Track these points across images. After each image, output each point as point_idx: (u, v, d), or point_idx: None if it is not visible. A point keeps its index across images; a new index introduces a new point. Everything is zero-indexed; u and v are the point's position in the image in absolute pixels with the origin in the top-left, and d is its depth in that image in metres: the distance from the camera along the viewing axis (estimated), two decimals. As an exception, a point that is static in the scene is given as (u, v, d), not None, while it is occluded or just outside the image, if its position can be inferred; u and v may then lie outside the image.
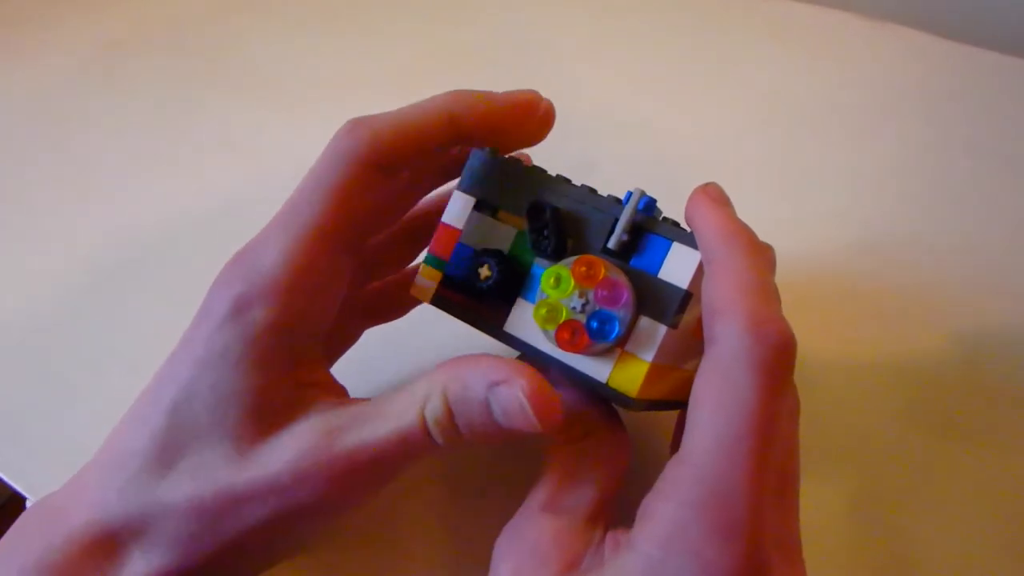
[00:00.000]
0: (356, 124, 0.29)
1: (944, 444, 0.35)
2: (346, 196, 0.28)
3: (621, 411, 0.30)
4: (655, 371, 0.27)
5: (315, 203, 0.28)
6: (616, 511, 0.28)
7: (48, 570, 0.26)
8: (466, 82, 0.53)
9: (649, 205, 0.27)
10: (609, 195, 0.28)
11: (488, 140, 0.30)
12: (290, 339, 0.27)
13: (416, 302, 0.34)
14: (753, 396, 0.23)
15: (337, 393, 0.28)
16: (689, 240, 0.26)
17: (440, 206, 0.31)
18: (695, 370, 0.26)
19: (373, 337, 0.36)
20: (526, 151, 0.32)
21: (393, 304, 0.36)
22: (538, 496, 0.28)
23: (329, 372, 0.29)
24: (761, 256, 0.26)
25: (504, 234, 0.30)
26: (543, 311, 0.27)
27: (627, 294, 0.27)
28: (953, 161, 0.48)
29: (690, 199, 0.27)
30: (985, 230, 0.44)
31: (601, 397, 0.29)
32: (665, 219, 0.28)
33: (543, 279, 0.28)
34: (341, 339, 0.35)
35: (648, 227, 0.27)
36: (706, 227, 0.26)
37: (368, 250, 0.34)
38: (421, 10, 0.62)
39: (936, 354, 0.38)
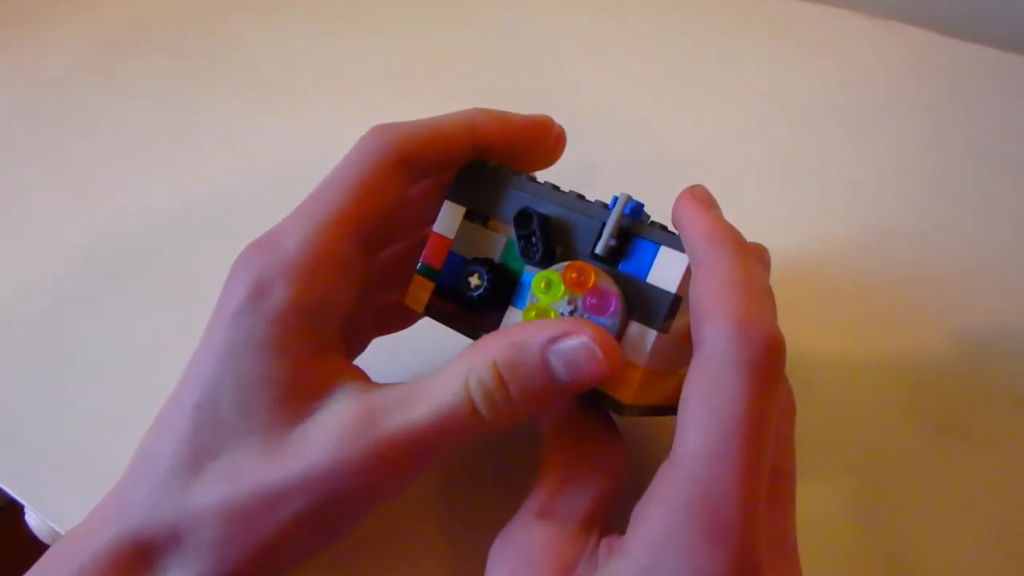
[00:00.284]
0: (384, 126, 0.30)
1: (944, 444, 0.35)
2: (368, 190, 0.29)
3: (617, 417, 0.30)
4: (647, 376, 0.27)
5: (338, 193, 0.28)
6: (612, 516, 0.28)
7: None
8: (466, 82, 0.54)
9: (636, 209, 0.27)
10: (597, 200, 0.28)
11: (503, 159, 0.31)
12: (313, 321, 0.27)
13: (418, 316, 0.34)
14: (741, 398, 0.23)
15: (363, 379, 0.28)
16: (677, 243, 0.26)
17: None
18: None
19: (377, 344, 0.36)
20: None
21: (402, 316, 0.36)
22: (532, 502, 0.28)
23: (351, 362, 0.29)
24: (747, 257, 0.26)
25: (494, 242, 0.30)
26: (532, 314, 0.27)
27: (615, 303, 0.27)
28: (954, 160, 0.47)
29: (676, 202, 0.27)
30: (986, 229, 0.43)
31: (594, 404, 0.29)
32: (653, 223, 0.27)
33: (533, 283, 0.28)
34: (350, 347, 0.35)
35: (635, 231, 0.27)
36: (692, 229, 0.26)
37: (382, 262, 0.34)
38: (421, 10, 0.61)
39: (936, 354, 0.38)
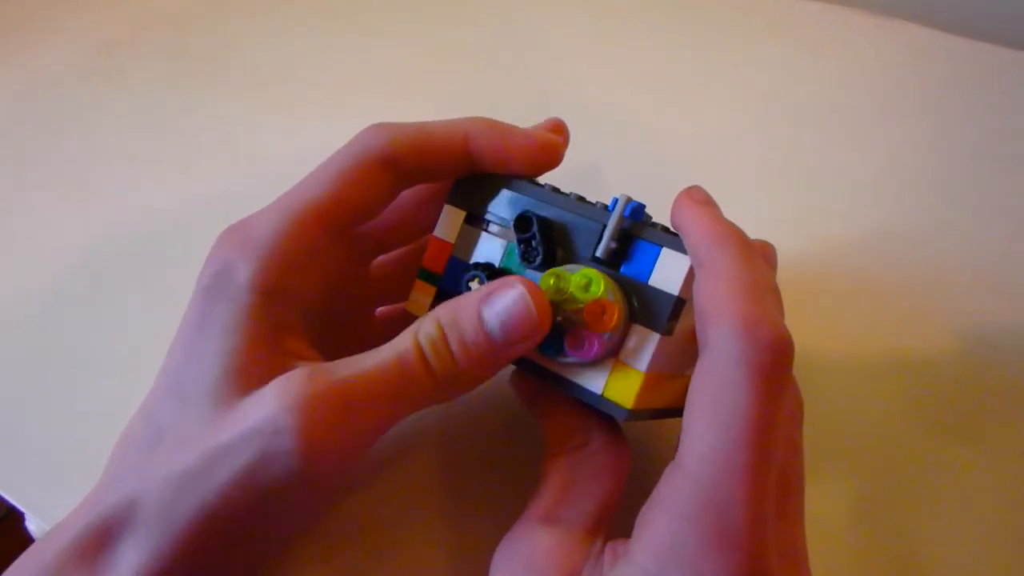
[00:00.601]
0: (378, 125, 0.30)
1: (949, 445, 0.35)
2: (347, 184, 0.29)
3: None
4: (651, 380, 0.27)
5: (316, 185, 0.29)
6: (617, 520, 0.27)
7: None
8: (466, 82, 0.54)
9: (637, 210, 0.27)
10: (598, 202, 0.28)
11: (497, 170, 0.30)
12: (273, 302, 0.27)
13: None
14: (748, 401, 0.23)
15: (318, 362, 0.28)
16: (678, 245, 0.26)
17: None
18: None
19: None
20: None
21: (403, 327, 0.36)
22: (536, 508, 0.28)
23: (314, 351, 0.29)
24: (752, 255, 0.25)
25: (495, 246, 0.30)
26: (551, 280, 0.27)
27: (596, 347, 0.27)
28: (956, 159, 0.47)
29: (675, 203, 0.27)
30: (989, 228, 0.43)
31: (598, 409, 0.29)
32: (654, 224, 0.27)
33: (543, 280, 0.27)
34: (352, 330, 0.35)
35: (636, 233, 0.27)
36: (693, 230, 0.26)
37: (379, 271, 0.34)
38: (421, 10, 0.61)
39: (940, 355, 0.38)
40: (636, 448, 0.29)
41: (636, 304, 0.27)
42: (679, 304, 0.26)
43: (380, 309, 0.35)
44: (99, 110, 0.55)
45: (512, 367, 0.29)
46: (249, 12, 0.63)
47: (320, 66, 0.57)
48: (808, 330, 0.38)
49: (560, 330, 0.27)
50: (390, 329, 0.35)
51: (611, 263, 0.27)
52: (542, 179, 0.30)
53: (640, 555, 0.24)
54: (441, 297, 0.30)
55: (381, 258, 0.34)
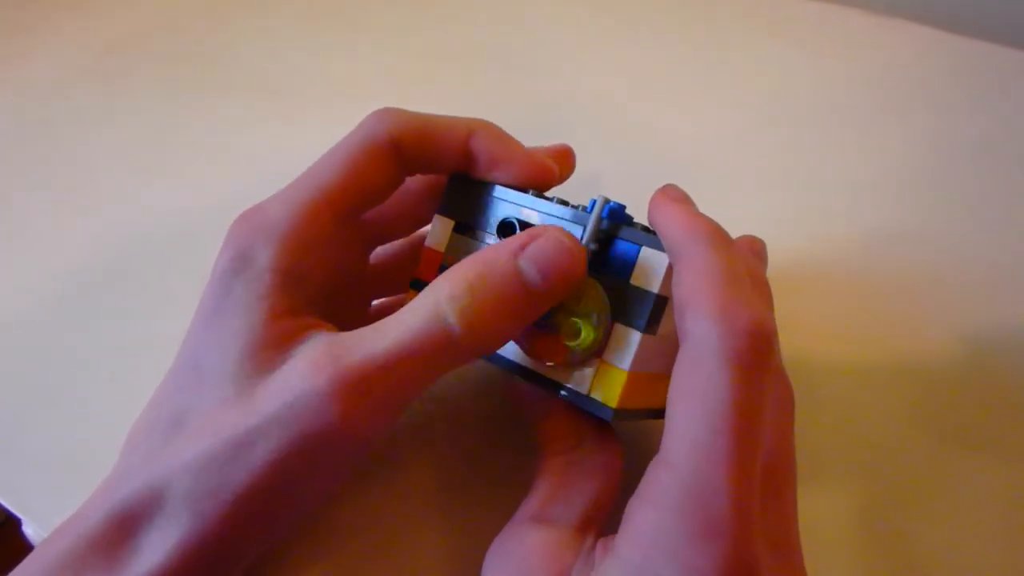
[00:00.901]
0: (384, 110, 0.30)
1: (951, 448, 0.34)
2: (355, 168, 0.29)
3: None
4: (636, 380, 0.27)
5: (325, 170, 0.29)
6: (612, 521, 0.27)
7: None
8: (466, 83, 0.54)
9: (616, 211, 0.27)
10: (580, 205, 0.29)
11: (486, 176, 0.31)
12: (290, 282, 0.28)
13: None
14: (726, 389, 0.23)
15: (335, 331, 0.28)
16: (658, 243, 0.27)
17: None
18: None
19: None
20: None
21: (396, 274, 0.36)
22: (528, 507, 0.28)
23: (325, 323, 0.29)
24: (725, 246, 0.25)
25: None
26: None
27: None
28: (960, 159, 0.47)
29: (650, 203, 0.28)
30: (993, 229, 0.43)
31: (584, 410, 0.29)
32: (634, 224, 0.28)
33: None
34: (348, 321, 0.34)
35: (616, 234, 0.27)
36: (667, 225, 0.26)
37: (379, 263, 0.35)
38: (420, 11, 0.61)
39: (943, 357, 0.37)
40: (629, 448, 0.29)
41: (618, 304, 0.27)
42: (660, 302, 0.27)
43: (376, 302, 0.35)
44: (98, 113, 0.55)
45: (501, 371, 0.30)
46: (248, 14, 0.63)
47: (320, 68, 0.57)
48: (808, 331, 0.38)
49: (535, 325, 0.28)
50: (382, 274, 0.35)
51: (592, 264, 0.28)
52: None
53: (625, 548, 0.24)
54: None
55: (378, 250, 0.35)
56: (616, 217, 0.27)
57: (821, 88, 0.52)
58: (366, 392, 0.25)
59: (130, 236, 0.46)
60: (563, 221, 0.28)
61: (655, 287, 0.26)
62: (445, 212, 0.31)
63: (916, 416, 0.35)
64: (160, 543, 0.25)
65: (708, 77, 0.54)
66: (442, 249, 0.31)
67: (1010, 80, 0.51)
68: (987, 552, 0.31)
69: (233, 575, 0.27)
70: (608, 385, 0.27)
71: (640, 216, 0.28)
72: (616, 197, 0.28)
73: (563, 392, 0.28)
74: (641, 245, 0.27)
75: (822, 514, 0.32)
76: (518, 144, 0.31)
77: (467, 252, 0.30)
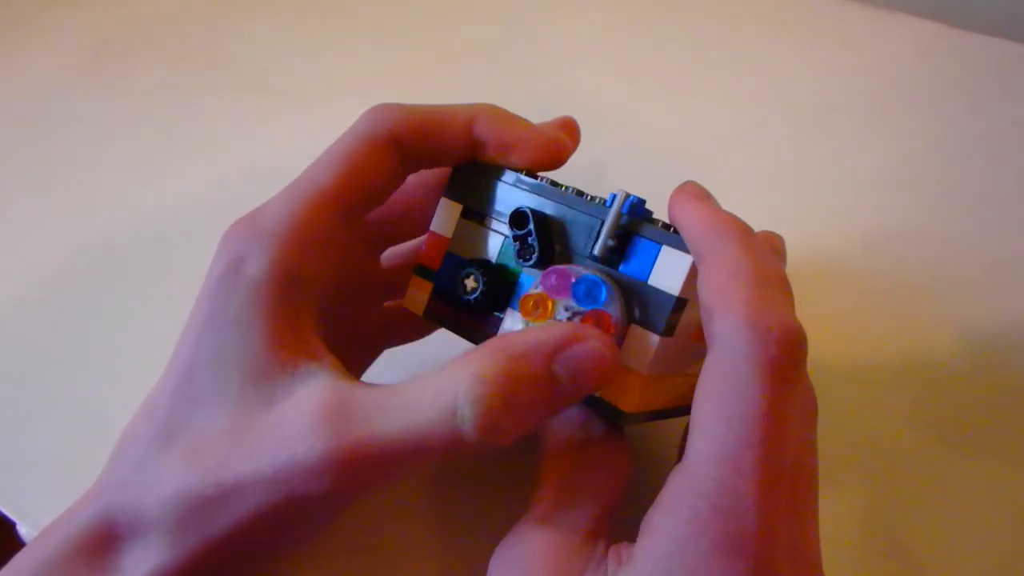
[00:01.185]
0: (382, 106, 0.29)
1: (955, 449, 0.34)
2: (354, 167, 0.28)
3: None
4: (650, 382, 0.26)
5: (324, 170, 0.28)
6: (619, 523, 0.27)
7: None
8: (466, 81, 0.54)
9: (636, 206, 0.26)
10: (598, 198, 0.27)
11: (497, 161, 0.29)
12: (288, 291, 0.27)
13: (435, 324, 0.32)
14: (757, 398, 0.22)
15: (340, 369, 0.27)
16: (679, 243, 0.25)
17: None
18: (699, 371, 0.25)
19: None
20: None
21: (412, 324, 0.35)
22: (534, 510, 0.27)
23: (329, 350, 0.27)
24: (755, 244, 0.24)
25: (492, 241, 0.29)
26: (529, 303, 0.26)
27: (605, 288, 0.25)
28: (963, 155, 0.46)
29: (670, 201, 0.26)
30: (998, 226, 0.43)
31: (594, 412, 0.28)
32: (654, 221, 0.26)
33: (520, 308, 0.26)
34: (359, 357, 0.34)
35: (636, 231, 0.26)
36: (691, 224, 0.25)
37: (388, 265, 0.34)
38: (418, 9, 0.61)
39: (946, 355, 0.37)
40: (636, 447, 0.29)
41: (635, 304, 0.26)
42: (680, 305, 0.25)
43: (388, 303, 0.34)
44: (94, 110, 0.54)
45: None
46: (246, 11, 0.62)
47: (318, 65, 0.57)
48: (811, 331, 0.37)
49: None
50: (396, 323, 0.34)
51: (609, 261, 0.26)
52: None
53: (643, 561, 0.23)
54: (438, 294, 0.30)
55: (389, 251, 0.34)
56: (636, 213, 0.26)
57: (822, 84, 0.51)
58: (361, 471, 0.24)
59: (127, 235, 0.46)
60: (578, 213, 0.27)
61: (676, 289, 0.25)
62: (452, 195, 0.30)
63: (917, 415, 0.35)
64: (142, 563, 0.25)
65: (708, 74, 0.53)
66: (448, 235, 0.30)
67: (1013, 74, 0.51)
68: (989, 553, 0.31)
69: None
70: (624, 389, 0.26)
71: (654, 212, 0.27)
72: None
73: None
74: (662, 244, 0.26)
75: (823, 514, 0.31)
76: (525, 123, 0.30)
77: (476, 240, 0.29)
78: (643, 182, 0.30)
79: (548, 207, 0.28)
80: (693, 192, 0.26)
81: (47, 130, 0.53)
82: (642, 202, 0.26)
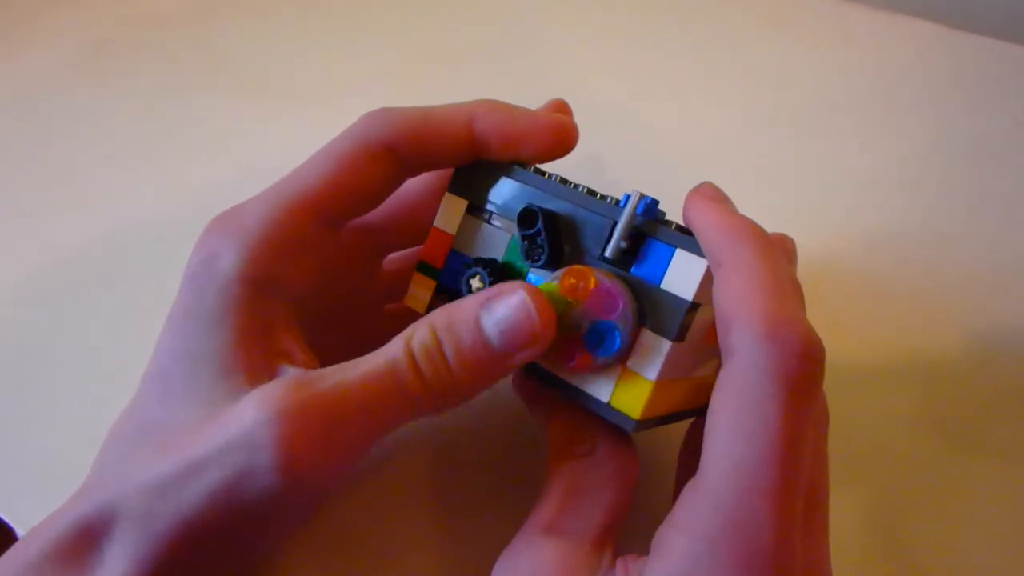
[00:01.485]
0: (379, 111, 0.29)
1: (956, 449, 0.34)
2: (342, 171, 0.28)
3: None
4: (660, 388, 0.25)
5: (310, 172, 0.28)
6: (626, 533, 0.26)
7: None
8: (466, 79, 0.53)
9: (650, 208, 0.25)
10: (610, 197, 0.27)
11: (504, 157, 0.29)
12: (260, 293, 0.26)
13: None
14: (774, 413, 0.21)
15: (313, 363, 0.27)
16: (694, 246, 0.25)
17: None
18: (710, 374, 0.24)
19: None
20: None
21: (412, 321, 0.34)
22: (539, 518, 0.26)
23: (306, 348, 0.28)
24: (772, 251, 0.24)
25: (498, 239, 0.28)
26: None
27: (622, 302, 0.25)
28: (964, 157, 0.46)
29: (686, 203, 0.26)
30: (999, 228, 0.42)
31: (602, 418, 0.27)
32: (667, 222, 0.26)
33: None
34: (360, 328, 0.33)
35: (649, 232, 0.25)
36: (708, 228, 0.24)
37: (391, 268, 0.33)
38: (419, 8, 0.60)
39: (950, 356, 0.37)
40: (644, 454, 0.28)
41: (647, 308, 0.25)
42: (693, 310, 0.25)
43: (389, 306, 0.34)
44: (94, 110, 0.54)
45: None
46: (245, 10, 0.61)
47: (317, 64, 0.56)
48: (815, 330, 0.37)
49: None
50: (401, 326, 0.34)
51: (621, 263, 0.26)
52: (548, 168, 0.29)
53: None
54: (441, 292, 0.29)
55: (393, 255, 0.33)
56: (650, 214, 0.25)
57: (822, 84, 0.51)
58: (308, 430, 0.23)
59: (126, 235, 0.45)
60: (589, 213, 0.26)
61: (690, 294, 0.24)
62: (457, 190, 0.29)
63: (917, 415, 0.35)
64: (121, 558, 0.24)
65: (708, 74, 0.53)
66: (452, 231, 0.29)
67: (1013, 76, 0.51)
68: (992, 553, 0.31)
69: None
70: (631, 395, 0.25)
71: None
72: (615, 194, 0.26)
73: (581, 399, 0.26)
74: (676, 247, 0.25)
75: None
76: (527, 113, 0.29)
77: (481, 237, 0.28)
78: (643, 182, 0.29)
79: (558, 205, 0.27)
80: (709, 194, 0.26)
81: (47, 130, 0.52)
82: (656, 203, 0.25)
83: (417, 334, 0.25)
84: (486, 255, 0.28)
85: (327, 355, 0.27)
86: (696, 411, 0.29)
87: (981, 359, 0.37)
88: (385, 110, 0.28)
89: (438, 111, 0.28)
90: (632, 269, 0.25)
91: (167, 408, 0.26)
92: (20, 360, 0.40)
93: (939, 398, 0.36)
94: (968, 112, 0.49)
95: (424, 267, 0.29)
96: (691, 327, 0.25)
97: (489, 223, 0.28)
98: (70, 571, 0.24)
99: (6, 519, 0.34)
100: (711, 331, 0.26)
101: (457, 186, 0.29)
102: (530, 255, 0.27)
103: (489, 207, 0.28)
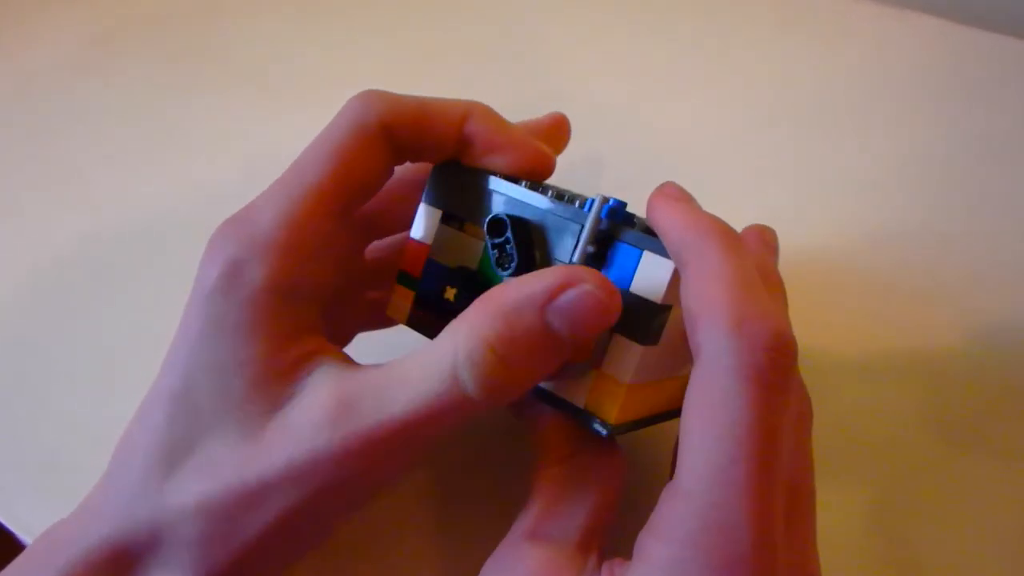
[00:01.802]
0: (370, 92, 0.28)
1: (959, 449, 0.34)
2: (348, 161, 0.27)
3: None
4: (635, 391, 0.25)
5: (316, 165, 0.27)
6: (612, 536, 0.26)
7: None
8: (465, 76, 0.53)
9: (616, 211, 0.25)
10: (578, 200, 0.26)
11: (479, 163, 0.29)
12: (290, 300, 0.26)
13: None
14: (745, 409, 0.21)
15: (343, 359, 0.27)
16: (661, 248, 0.24)
17: None
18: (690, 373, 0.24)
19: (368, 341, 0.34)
20: None
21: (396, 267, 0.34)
22: (524, 523, 0.26)
23: (329, 343, 0.27)
24: (736, 245, 0.23)
25: (473, 248, 0.28)
26: None
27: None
28: (966, 153, 0.45)
29: (648, 204, 0.25)
30: (1003, 226, 0.42)
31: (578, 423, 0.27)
32: (636, 224, 0.26)
33: None
34: (336, 340, 0.33)
35: (616, 236, 0.25)
36: (670, 228, 0.24)
37: (373, 256, 0.33)
38: (417, 6, 0.60)
39: (950, 356, 0.37)
40: (630, 457, 0.28)
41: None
42: (663, 312, 0.25)
43: (372, 293, 0.34)
44: (86, 106, 0.54)
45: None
46: (245, 9, 0.62)
47: (318, 62, 0.56)
48: (811, 331, 0.37)
49: None
50: (375, 311, 0.33)
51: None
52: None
53: None
54: (420, 302, 0.29)
55: (374, 244, 0.33)
56: (616, 217, 0.25)
57: (822, 83, 0.50)
58: (377, 452, 0.24)
59: (125, 234, 0.45)
60: (559, 218, 0.26)
61: (658, 297, 0.24)
62: (431, 201, 0.29)
63: (918, 415, 0.35)
64: None
65: (708, 73, 0.52)
66: (428, 241, 0.29)
67: (1019, 73, 0.50)
68: (992, 552, 0.31)
69: None
70: (606, 399, 0.25)
71: (643, 214, 0.27)
72: (615, 194, 0.26)
73: (557, 404, 0.26)
74: (643, 249, 0.25)
75: (824, 514, 0.31)
76: (516, 129, 0.29)
77: (456, 248, 0.28)
78: (643, 181, 0.29)
79: (528, 212, 0.27)
80: (671, 194, 0.25)
81: (46, 127, 0.53)
82: (623, 205, 0.25)
83: (468, 351, 0.23)
84: (462, 263, 0.28)
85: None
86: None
87: (981, 359, 0.36)
88: (377, 92, 0.28)
89: (434, 102, 0.28)
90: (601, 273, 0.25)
91: (197, 427, 0.25)
92: (19, 358, 0.40)
93: (939, 398, 0.35)
94: (971, 110, 0.48)
95: (404, 277, 0.30)
96: (665, 328, 0.25)
97: (463, 232, 0.28)
98: None
99: (3, 521, 0.34)
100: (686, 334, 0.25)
101: (431, 197, 0.29)
102: (500, 263, 0.27)
103: (462, 216, 0.28)
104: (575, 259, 0.25)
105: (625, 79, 0.52)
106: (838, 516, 0.31)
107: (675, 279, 0.24)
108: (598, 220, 0.25)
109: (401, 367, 0.24)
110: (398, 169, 0.29)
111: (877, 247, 0.41)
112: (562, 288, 0.23)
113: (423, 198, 0.29)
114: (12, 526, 0.33)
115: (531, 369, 0.24)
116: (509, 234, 0.26)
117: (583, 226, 0.25)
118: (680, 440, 0.22)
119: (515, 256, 0.26)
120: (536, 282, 0.24)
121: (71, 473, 0.27)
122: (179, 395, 0.26)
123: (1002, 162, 0.45)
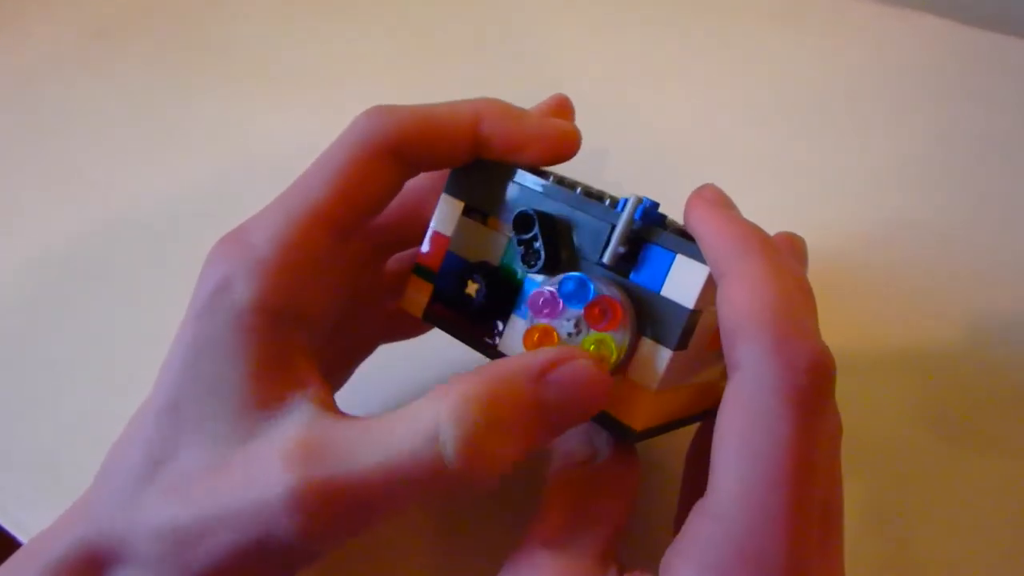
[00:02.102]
0: (377, 109, 0.27)
1: (959, 448, 0.34)
2: (351, 181, 0.26)
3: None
4: (662, 397, 0.25)
5: (317, 184, 0.26)
6: (633, 548, 0.25)
7: None
8: (465, 72, 0.53)
9: (649, 212, 0.25)
10: (608, 198, 0.26)
11: (504, 159, 0.28)
12: (277, 322, 0.25)
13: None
14: (785, 432, 0.21)
15: (325, 397, 0.26)
16: (695, 252, 0.24)
17: None
18: (715, 379, 0.24)
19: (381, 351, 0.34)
20: None
21: (411, 323, 0.33)
22: (539, 531, 0.25)
23: (319, 375, 0.26)
24: (779, 260, 0.23)
25: (495, 242, 0.27)
26: (535, 336, 0.25)
27: (621, 312, 0.24)
28: (969, 153, 0.46)
29: (687, 207, 0.25)
30: (1004, 224, 0.42)
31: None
32: (669, 224, 0.25)
33: (525, 342, 0.25)
34: (355, 353, 0.33)
35: (648, 237, 0.25)
36: (710, 236, 0.23)
37: (395, 267, 0.32)
38: (419, 3, 0.60)
39: (950, 355, 0.37)
40: (646, 461, 0.28)
41: (647, 316, 0.24)
42: (694, 318, 0.24)
43: (392, 304, 0.32)
44: (84, 101, 0.53)
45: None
46: (245, 2, 0.61)
47: (312, 56, 0.56)
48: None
49: None
50: (396, 322, 0.33)
51: (620, 269, 0.25)
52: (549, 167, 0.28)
53: None
54: (438, 296, 0.28)
55: (397, 255, 0.32)
56: (649, 218, 0.25)
57: (823, 80, 0.51)
58: (334, 511, 0.22)
59: (118, 228, 0.45)
60: (588, 217, 0.26)
61: (691, 302, 0.24)
62: (453, 191, 0.28)
63: (918, 414, 0.35)
64: None
65: (709, 71, 0.52)
66: (448, 233, 0.28)
67: (1017, 71, 0.50)
68: (992, 550, 0.31)
69: None
70: (631, 405, 0.24)
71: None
72: (615, 192, 0.26)
73: None
74: (676, 252, 0.24)
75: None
76: (531, 116, 0.28)
77: (477, 241, 0.28)
78: (643, 180, 0.29)
79: (556, 208, 0.26)
80: (711, 198, 0.25)
81: (37, 119, 0.52)
82: (656, 206, 0.25)
83: (452, 412, 0.22)
84: (484, 258, 0.28)
85: (331, 359, 0.27)
86: (700, 416, 0.28)
87: (982, 358, 0.37)
88: (384, 109, 0.27)
89: (441, 110, 0.27)
90: (631, 275, 0.25)
91: (178, 443, 0.25)
92: (17, 358, 0.39)
93: (939, 397, 0.35)
94: (972, 110, 0.48)
95: (421, 270, 0.29)
96: (693, 334, 0.25)
97: (486, 225, 0.28)
98: None
99: (4, 524, 0.34)
100: (715, 336, 0.25)
101: (453, 187, 0.29)
102: (527, 260, 0.26)
103: (486, 209, 0.28)
104: (606, 259, 0.25)
105: (625, 78, 0.52)
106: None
107: (708, 284, 0.24)
108: (631, 221, 0.24)
109: (382, 421, 0.23)
110: (414, 179, 0.28)
111: (877, 247, 0.41)
112: (560, 362, 0.23)
113: (445, 188, 0.29)
114: (10, 527, 0.33)
115: (515, 440, 0.23)
116: (537, 231, 0.26)
117: (614, 226, 0.25)
118: (713, 457, 0.22)
119: (542, 254, 0.26)
120: (533, 356, 0.24)
121: (70, 474, 0.26)
122: (166, 412, 0.25)
123: (1002, 162, 0.45)
